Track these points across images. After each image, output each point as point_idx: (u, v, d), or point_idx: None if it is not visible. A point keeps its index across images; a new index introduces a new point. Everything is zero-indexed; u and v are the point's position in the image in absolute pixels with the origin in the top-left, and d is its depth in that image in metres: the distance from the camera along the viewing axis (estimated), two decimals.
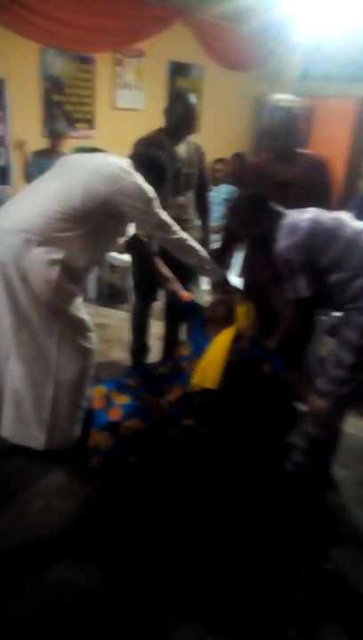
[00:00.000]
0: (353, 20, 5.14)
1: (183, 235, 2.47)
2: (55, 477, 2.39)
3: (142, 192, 2.24)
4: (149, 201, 2.26)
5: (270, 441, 2.58)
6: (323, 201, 2.34)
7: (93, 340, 2.44)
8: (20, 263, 2.13)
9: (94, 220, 2.23)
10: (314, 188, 2.40)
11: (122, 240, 2.73)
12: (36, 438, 2.41)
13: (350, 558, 2.10)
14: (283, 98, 2.43)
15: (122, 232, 2.54)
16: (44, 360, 2.30)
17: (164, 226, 2.38)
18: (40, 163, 4.41)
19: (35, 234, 2.14)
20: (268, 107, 2.45)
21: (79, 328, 2.36)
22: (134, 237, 2.71)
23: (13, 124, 4.96)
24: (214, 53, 6.45)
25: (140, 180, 2.26)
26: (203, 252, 2.59)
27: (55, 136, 4.45)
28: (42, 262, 2.14)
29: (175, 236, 2.43)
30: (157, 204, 2.31)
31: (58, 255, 2.17)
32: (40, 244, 2.14)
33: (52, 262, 2.15)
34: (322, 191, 2.44)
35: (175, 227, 2.42)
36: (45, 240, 2.15)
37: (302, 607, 1.88)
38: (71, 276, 2.24)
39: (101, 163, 2.28)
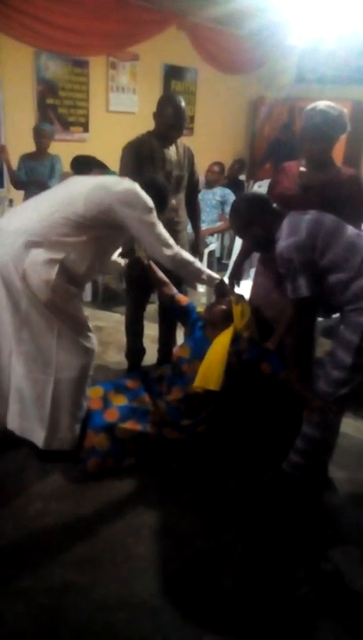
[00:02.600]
0: (347, 23, 5.18)
1: (178, 250, 2.49)
2: (52, 479, 2.38)
3: (142, 201, 2.29)
4: (148, 210, 2.30)
5: (268, 441, 2.58)
6: (357, 216, 2.34)
7: (93, 340, 2.45)
8: (20, 263, 2.16)
9: (96, 229, 2.27)
10: (349, 204, 2.37)
11: (123, 262, 2.75)
12: (37, 435, 2.41)
13: (347, 558, 2.10)
14: (322, 102, 2.38)
15: (120, 245, 2.56)
16: (43, 359, 2.31)
17: (161, 238, 2.40)
18: (27, 165, 4.39)
19: (35, 236, 2.18)
20: (306, 110, 2.38)
21: (79, 327, 2.37)
22: (136, 260, 2.73)
23: (7, 127, 4.97)
24: (209, 56, 6.48)
25: (139, 189, 2.30)
26: (197, 263, 2.61)
27: (41, 136, 4.37)
28: (40, 262, 2.16)
29: (171, 252, 2.44)
30: (155, 215, 2.34)
31: (57, 256, 2.19)
32: (40, 245, 2.18)
33: (51, 262, 2.18)
34: (357, 207, 2.40)
35: (171, 241, 2.44)
36: (46, 242, 2.19)
37: (300, 607, 1.87)
38: (70, 279, 2.26)
39: (103, 178, 2.40)
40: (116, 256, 2.82)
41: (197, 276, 2.64)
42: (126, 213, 2.27)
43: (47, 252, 2.18)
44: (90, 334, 2.42)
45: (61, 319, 2.28)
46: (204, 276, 2.64)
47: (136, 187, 2.31)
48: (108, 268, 2.76)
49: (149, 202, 2.30)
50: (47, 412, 2.37)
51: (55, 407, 2.37)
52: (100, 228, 2.28)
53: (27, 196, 4.39)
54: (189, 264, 2.55)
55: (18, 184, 4.41)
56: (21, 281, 2.17)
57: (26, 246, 2.16)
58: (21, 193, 4.53)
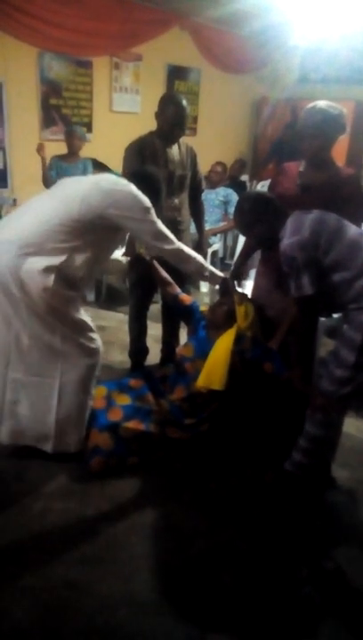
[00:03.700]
0: (351, 22, 5.17)
1: (180, 244, 2.49)
2: (55, 478, 2.39)
3: (138, 201, 2.27)
4: (145, 210, 2.29)
5: (270, 440, 2.59)
6: (357, 216, 2.34)
7: (98, 341, 2.45)
8: (17, 273, 2.15)
9: (92, 233, 2.26)
10: (349, 203, 2.37)
11: (125, 261, 2.75)
12: (44, 441, 2.43)
13: (349, 557, 2.10)
14: (322, 102, 2.38)
15: (118, 245, 2.54)
16: (48, 364, 2.32)
17: (161, 236, 2.39)
18: (58, 166, 4.41)
19: (31, 244, 2.17)
20: (306, 108, 2.38)
21: (81, 329, 2.37)
22: (137, 257, 2.72)
23: (11, 127, 4.98)
24: (212, 56, 6.48)
25: (135, 189, 2.29)
26: (199, 258, 2.62)
27: (73, 137, 4.41)
28: (37, 271, 2.15)
29: (173, 247, 2.44)
30: (153, 213, 2.33)
31: (53, 262, 2.18)
32: (36, 253, 2.17)
33: (48, 270, 2.17)
34: (357, 207, 2.41)
35: (172, 237, 2.44)
36: (42, 250, 2.18)
37: (302, 605, 1.88)
38: (69, 283, 2.26)
39: (98, 178, 2.38)
40: (118, 255, 2.82)
41: (199, 271, 2.65)
42: (123, 215, 2.26)
43: (43, 259, 2.16)
44: (93, 335, 2.42)
45: (63, 323, 2.28)
46: (206, 273, 2.64)
47: (131, 188, 2.29)
48: (111, 267, 2.77)
49: (146, 201, 2.29)
50: (53, 417, 2.38)
51: (62, 410, 2.38)
52: (96, 231, 2.27)
53: None
54: (192, 258, 2.56)
55: (48, 184, 4.43)
56: (19, 290, 2.16)
57: (22, 255, 2.15)
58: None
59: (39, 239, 2.18)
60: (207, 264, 2.69)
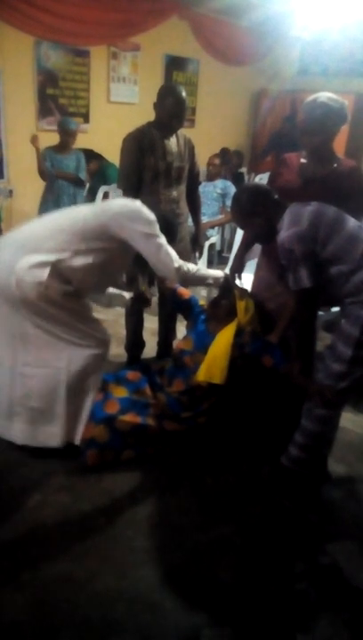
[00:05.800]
0: (351, 15, 5.14)
1: (181, 262, 2.51)
2: (50, 472, 2.38)
3: (143, 215, 2.32)
4: (149, 222, 2.32)
5: (267, 434, 2.58)
6: (358, 209, 2.32)
7: (105, 331, 2.48)
8: (13, 268, 2.19)
9: (98, 241, 2.29)
10: (351, 196, 2.35)
11: (128, 297, 2.79)
12: (53, 436, 2.42)
13: (346, 552, 2.10)
14: (323, 95, 2.35)
15: (125, 264, 2.55)
16: (54, 353, 2.33)
17: (164, 250, 2.41)
18: (53, 158, 4.38)
19: (31, 242, 2.26)
20: (306, 102, 2.36)
21: (86, 319, 2.40)
22: (140, 294, 2.74)
23: (7, 117, 4.94)
24: (211, 47, 6.43)
25: (141, 204, 2.34)
26: (201, 269, 2.67)
27: (67, 134, 4.38)
28: (32, 265, 2.19)
29: (175, 264, 2.46)
30: (157, 228, 2.36)
31: (48, 259, 2.22)
32: (34, 251, 2.22)
33: (42, 264, 2.20)
34: (359, 199, 2.39)
35: (175, 255, 2.46)
36: (41, 247, 2.24)
37: (298, 601, 1.87)
38: (64, 280, 2.27)
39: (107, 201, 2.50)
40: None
41: (202, 282, 2.71)
42: (127, 226, 2.30)
43: (40, 255, 2.21)
44: (99, 326, 2.47)
45: (65, 312, 2.30)
46: (210, 280, 2.69)
47: (137, 203, 2.35)
48: (114, 301, 2.82)
49: (151, 215, 2.33)
50: (63, 408, 2.38)
51: (71, 401, 2.39)
52: (101, 239, 2.30)
53: (49, 189, 4.40)
54: (194, 273, 2.59)
55: (45, 175, 4.39)
56: (16, 286, 2.19)
57: (20, 252, 2.21)
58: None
59: (40, 237, 2.27)
60: (207, 271, 2.74)
